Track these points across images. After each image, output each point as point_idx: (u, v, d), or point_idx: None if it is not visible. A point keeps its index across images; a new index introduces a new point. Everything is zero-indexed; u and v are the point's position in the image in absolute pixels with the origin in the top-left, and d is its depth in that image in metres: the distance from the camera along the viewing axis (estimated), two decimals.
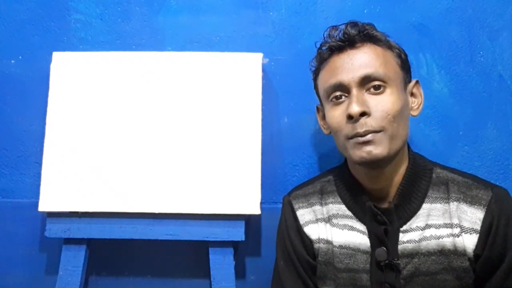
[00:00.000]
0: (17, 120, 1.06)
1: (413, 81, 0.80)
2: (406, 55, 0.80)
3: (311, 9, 1.05)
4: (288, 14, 1.05)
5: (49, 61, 1.00)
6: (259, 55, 0.98)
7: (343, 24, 0.78)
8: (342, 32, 0.77)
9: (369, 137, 0.71)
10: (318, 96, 0.85)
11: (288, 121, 1.04)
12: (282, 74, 1.04)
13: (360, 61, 0.74)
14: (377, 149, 0.71)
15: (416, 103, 0.79)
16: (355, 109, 0.71)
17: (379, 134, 0.71)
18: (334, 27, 0.78)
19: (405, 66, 0.79)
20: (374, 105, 0.72)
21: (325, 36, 0.79)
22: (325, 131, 0.85)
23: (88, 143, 0.96)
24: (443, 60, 1.02)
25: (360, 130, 0.71)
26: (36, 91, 1.05)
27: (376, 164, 0.73)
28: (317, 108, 0.87)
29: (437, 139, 1.01)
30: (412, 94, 0.79)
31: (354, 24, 0.77)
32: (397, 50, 0.78)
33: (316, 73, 0.83)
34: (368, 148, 0.71)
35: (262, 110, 0.97)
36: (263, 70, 0.99)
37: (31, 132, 1.05)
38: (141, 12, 1.07)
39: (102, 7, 1.07)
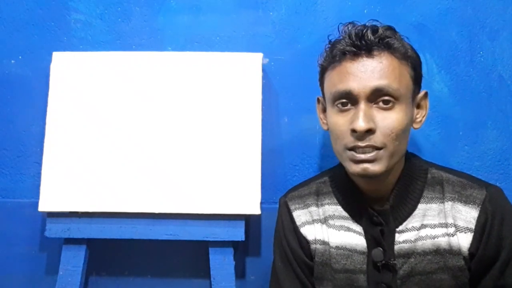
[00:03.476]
0: (17, 120, 1.06)
1: (422, 92, 0.78)
2: (421, 65, 0.76)
3: (311, 9, 1.05)
4: (288, 14, 1.05)
5: (49, 61, 1.00)
6: (259, 55, 0.98)
7: (363, 24, 0.73)
8: (360, 35, 0.71)
9: (368, 156, 0.69)
10: (322, 91, 0.82)
11: (288, 121, 1.04)
12: (282, 74, 1.04)
13: (375, 71, 0.70)
14: (374, 167, 0.70)
15: (420, 115, 0.77)
16: (361, 125, 0.68)
17: (379, 152, 0.70)
18: (353, 24, 0.73)
19: (418, 79, 0.76)
20: (380, 120, 0.70)
21: (340, 31, 0.74)
22: (324, 126, 0.82)
23: (88, 143, 0.96)
24: (443, 60, 1.02)
25: (362, 144, 0.69)
26: (36, 91, 1.05)
27: (371, 178, 0.73)
28: (318, 99, 0.84)
29: (437, 139, 1.01)
30: (418, 106, 0.77)
31: (375, 29, 0.72)
32: (413, 61, 0.74)
33: (323, 69, 0.78)
34: (365, 165, 0.70)
35: (262, 110, 0.97)
36: (263, 70, 0.99)
37: (31, 132, 1.05)
38: (141, 12, 1.07)
39: (102, 7, 1.07)
